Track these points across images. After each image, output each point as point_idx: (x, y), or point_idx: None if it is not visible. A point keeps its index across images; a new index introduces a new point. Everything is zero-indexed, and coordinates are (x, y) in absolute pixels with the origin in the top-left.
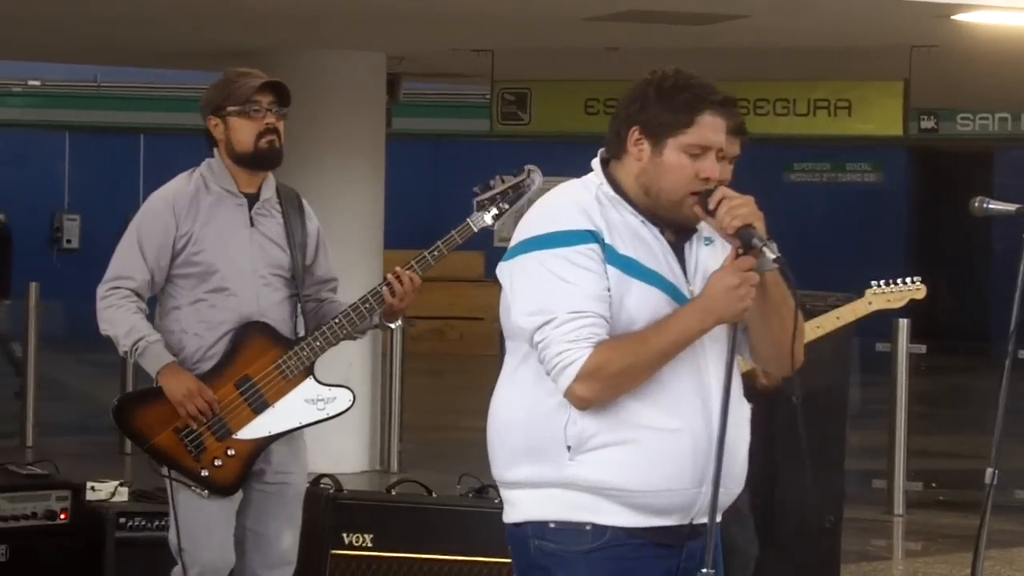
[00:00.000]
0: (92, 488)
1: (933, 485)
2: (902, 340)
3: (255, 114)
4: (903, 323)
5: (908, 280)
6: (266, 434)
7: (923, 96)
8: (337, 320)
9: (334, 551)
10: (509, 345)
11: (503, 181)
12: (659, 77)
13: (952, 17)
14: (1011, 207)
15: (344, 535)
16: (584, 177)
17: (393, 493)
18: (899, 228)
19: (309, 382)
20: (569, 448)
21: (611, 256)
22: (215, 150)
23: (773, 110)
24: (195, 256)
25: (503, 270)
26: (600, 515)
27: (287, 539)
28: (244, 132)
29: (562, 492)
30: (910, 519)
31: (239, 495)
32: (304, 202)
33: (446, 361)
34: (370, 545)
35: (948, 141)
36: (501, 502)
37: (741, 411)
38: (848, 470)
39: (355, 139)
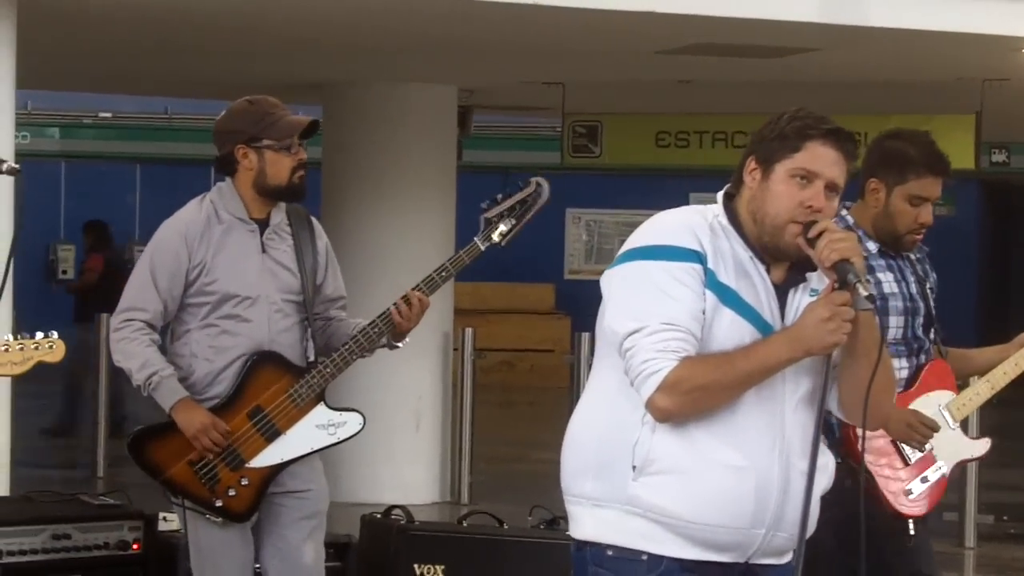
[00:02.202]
0: (164, 519)
1: (1005, 518)
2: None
3: (292, 150)
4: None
5: None
6: (278, 461)
7: (995, 130)
8: (347, 346)
9: None
10: (599, 352)
11: (509, 195)
12: (781, 112)
13: (1023, 51)
14: None
15: (416, 566)
16: (704, 206)
17: (464, 524)
18: (971, 262)
19: (320, 408)
20: (634, 468)
21: (711, 281)
22: (227, 177)
23: None
24: (208, 285)
25: (606, 277)
26: (656, 544)
27: (309, 553)
28: (281, 166)
29: (622, 515)
30: (981, 552)
31: (253, 519)
32: (314, 221)
33: (516, 393)
34: None
35: (1020, 175)
36: None
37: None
38: None
39: (426, 171)
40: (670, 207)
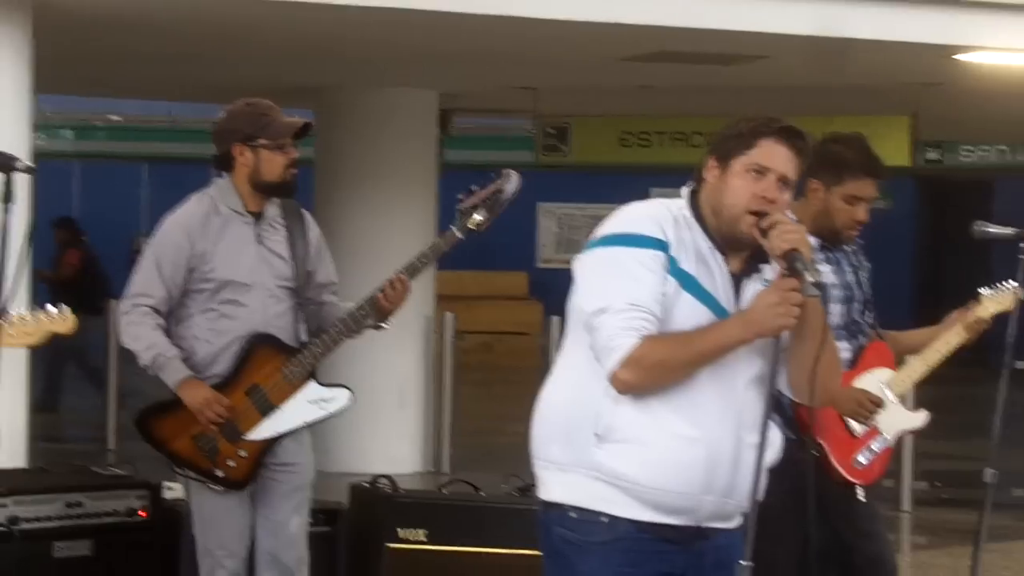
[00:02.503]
0: (168, 488)
1: (937, 484)
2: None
3: (286, 149)
4: None
5: (1010, 283)
6: (273, 434)
7: (929, 130)
8: (336, 327)
9: (390, 545)
10: (568, 330)
11: (483, 187)
12: (739, 118)
13: (955, 57)
14: (1009, 231)
15: (399, 530)
16: (670, 199)
17: (445, 492)
18: (907, 253)
19: (311, 384)
20: (597, 436)
21: (673, 267)
22: (225, 173)
23: None
24: (208, 273)
25: (577, 261)
26: (615, 507)
27: (295, 523)
28: (275, 164)
29: (585, 479)
30: (916, 515)
31: (251, 487)
32: (305, 213)
33: (494, 372)
34: (423, 539)
35: (951, 171)
36: None
37: (772, 436)
38: None
39: (410, 169)
40: (633, 201)
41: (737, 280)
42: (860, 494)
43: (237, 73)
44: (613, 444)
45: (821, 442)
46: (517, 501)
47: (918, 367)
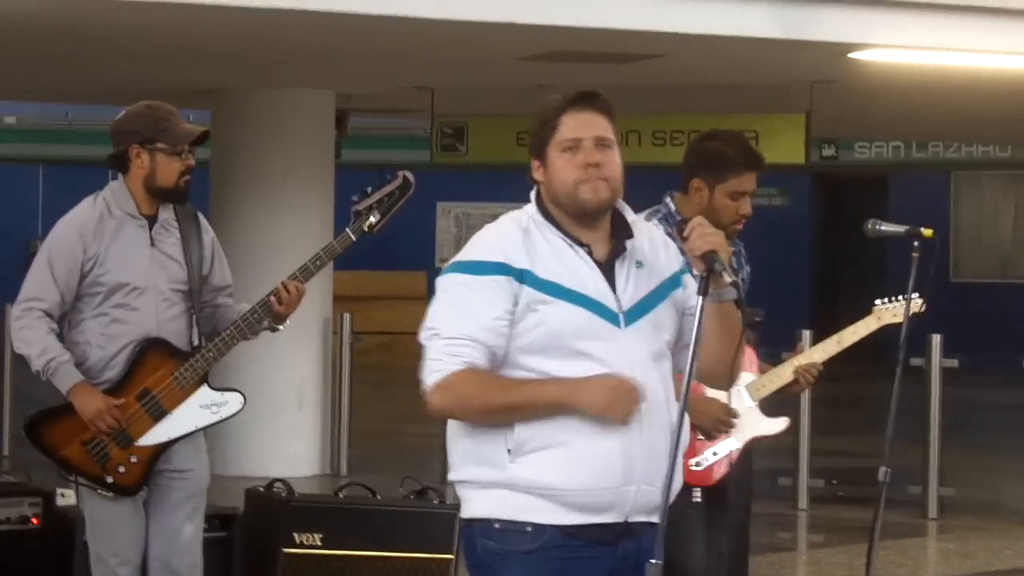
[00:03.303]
0: (62, 495)
1: (834, 482)
2: (807, 349)
3: (183, 156)
4: (806, 334)
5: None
6: (165, 439)
7: (823, 127)
8: (228, 331)
9: (286, 550)
10: None
11: (377, 189)
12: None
13: (848, 55)
14: (901, 228)
15: (295, 535)
16: (520, 209)
17: (341, 495)
18: (804, 247)
19: (203, 389)
20: (509, 451)
21: (530, 280)
22: (120, 175)
23: (688, 140)
24: (101, 276)
25: (436, 283)
26: (539, 515)
27: (188, 530)
28: (171, 170)
29: (506, 492)
30: (813, 513)
31: (144, 492)
32: (200, 216)
33: (392, 373)
34: (319, 544)
35: (847, 167)
36: (440, 502)
37: (673, 416)
38: (756, 468)
39: (306, 170)
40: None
41: (607, 267)
42: (696, 495)
43: (133, 75)
44: (527, 455)
45: None
46: (412, 504)
47: (785, 373)
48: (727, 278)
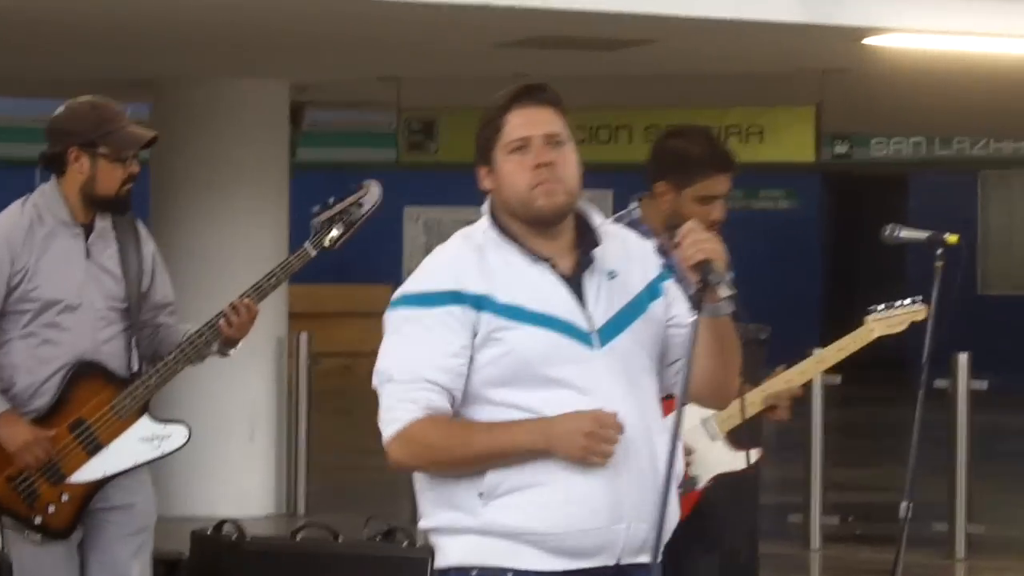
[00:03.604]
0: None
1: (850, 519)
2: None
3: (128, 163)
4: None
5: (908, 301)
6: (100, 476)
7: (836, 121)
8: (173, 355)
9: None
10: None
11: (341, 199)
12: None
13: (863, 41)
14: (923, 234)
15: None
16: (473, 226)
17: (298, 538)
18: (813, 256)
19: (144, 420)
20: (481, 495)
21: (491, 306)
22: (54, 177)
23: None
24: (31, 292)
25: (384, 319)
26: (520, 560)
27: (135, 570)
28: (112, 178)
29: (482, 538)
30: (827, 554)
31: (78, 533)
32: (140, 225)
33: (355, 399)
34: None
35: (862, 166)
36: (410, 545)
37: (664, 446)
38: (762, 504)
39: (258, 170)
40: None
41: (575, 281)
42: None
43: (64, 65)
44: (501, 498)
45: None
46: (379, 548)
47: (755, 400)
48: (725, 291)
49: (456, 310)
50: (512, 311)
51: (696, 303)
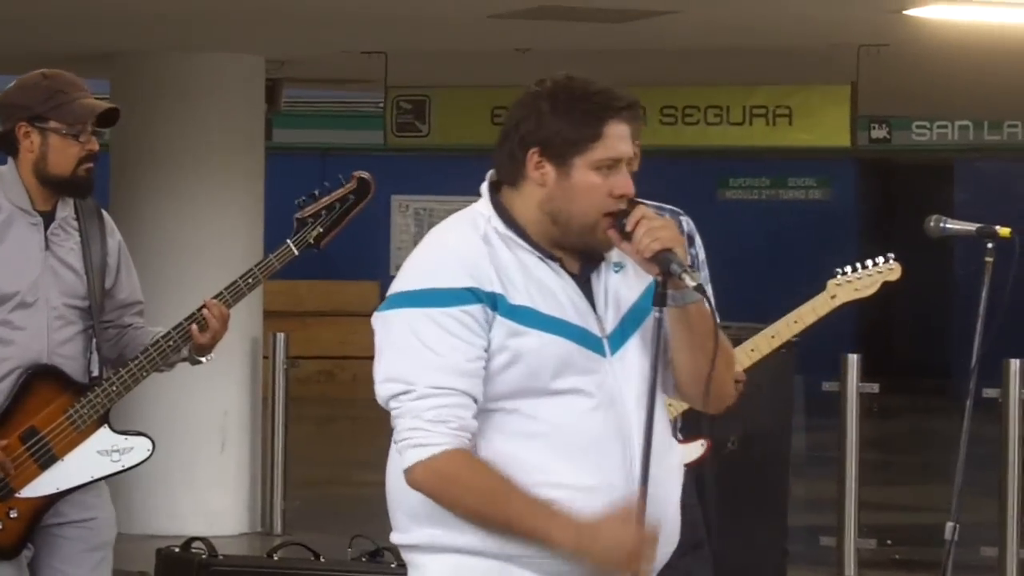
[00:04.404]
0: None
1: (888, 542)
2: (852, 378)
3: (82, 138)
4: (853, 358)
5: (878, 260)
6: (53, 491)
7: (873, 102)
8: (137, 360)
9: None
10: None
11: (327, 193)
12: (552, 87)
13: (904, 12)
14: (971, 227)
15: None
16: (473, 207)
17: (275, 558)
18: (848, 251)
19: (103, 431)
20: None
21: (503, 308)
22: (9, 159)
23: (704, 119)
24: None
25: (376, 321)
26: None
27: None
28: (66, 155)
29: (466, 558)
30: None
31: (28, 553)
32: (105, 215)
33: (337, 406)
34: None
35: (902, 152)
36: (398, 566)
37: (669, 460)
38: (792, 526)
39: (230, 153)
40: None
41: (582, 280)
42: None
43: (15, 38)
44: None
45: None
46: (364, 568)
47: None
48: (689, 281)
49: (474, 309)
50: (525, 314)
51: (660, 297)
